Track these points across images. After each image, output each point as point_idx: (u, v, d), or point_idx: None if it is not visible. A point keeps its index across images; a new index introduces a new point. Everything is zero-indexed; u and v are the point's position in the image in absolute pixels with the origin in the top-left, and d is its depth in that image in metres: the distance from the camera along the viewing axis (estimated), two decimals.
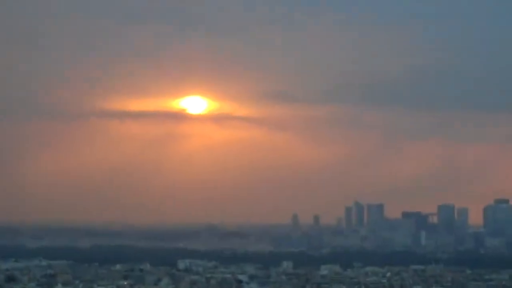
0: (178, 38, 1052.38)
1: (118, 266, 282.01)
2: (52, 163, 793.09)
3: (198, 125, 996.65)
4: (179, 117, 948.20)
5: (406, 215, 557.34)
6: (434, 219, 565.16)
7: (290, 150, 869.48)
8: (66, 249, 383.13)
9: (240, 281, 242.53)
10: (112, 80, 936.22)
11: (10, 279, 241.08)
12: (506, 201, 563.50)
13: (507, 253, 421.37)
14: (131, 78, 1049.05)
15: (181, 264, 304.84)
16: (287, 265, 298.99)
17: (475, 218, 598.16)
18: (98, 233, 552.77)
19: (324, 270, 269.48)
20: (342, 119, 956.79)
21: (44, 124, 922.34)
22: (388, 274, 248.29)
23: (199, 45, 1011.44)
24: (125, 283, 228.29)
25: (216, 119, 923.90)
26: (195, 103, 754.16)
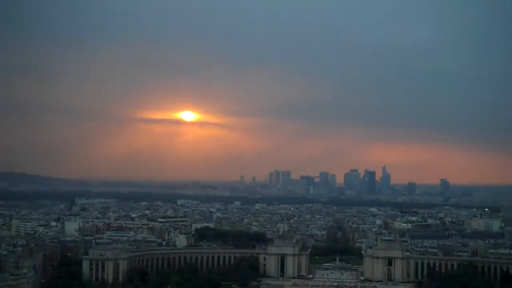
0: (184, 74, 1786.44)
1: (143, 203, 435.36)
2: (106, 148, 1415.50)
3: (190, 127, 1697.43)
4: (179, 122, 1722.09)
5: (302, 177, 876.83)
6: (318, 180, 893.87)
7: (239, 141, 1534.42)
8: (114, 193, 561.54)
9: (211, 211, 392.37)
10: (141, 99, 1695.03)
11: (83, 209, 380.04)
12: (356, 170, 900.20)
13: (357, 199, 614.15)
14: (156, 99, 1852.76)
15: (179, 202, 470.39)
16: (236, 203, 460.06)
17: (340, 179, 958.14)
18: (132, 184, 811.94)
19: (257, 206, 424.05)
20: (268, 126, 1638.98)
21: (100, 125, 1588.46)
22: (292, 208, 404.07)
23: (191, 83, 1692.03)
24: (147, 212, 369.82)
25: (199, 124, 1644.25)
26: (188, 115, 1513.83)
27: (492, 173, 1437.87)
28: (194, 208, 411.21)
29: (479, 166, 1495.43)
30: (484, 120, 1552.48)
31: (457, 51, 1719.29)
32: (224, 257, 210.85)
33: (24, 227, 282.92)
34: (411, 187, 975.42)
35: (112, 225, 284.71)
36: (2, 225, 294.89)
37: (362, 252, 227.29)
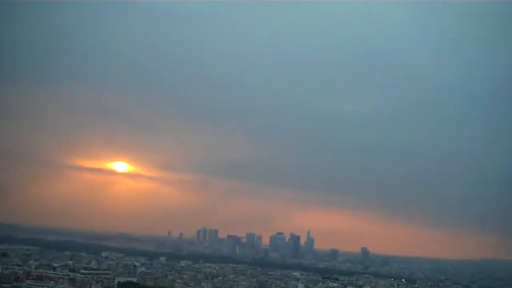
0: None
1: (67, 252, 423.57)
2: (35, 193, 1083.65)
3: (121, 178, 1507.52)
4: (112, 173, 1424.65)
5: (229, 236, 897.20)
6: (244, 240, 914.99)
7: (170, 196, 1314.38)
8: (38, 240, 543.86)
9: (135, 266, 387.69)
10: (74, 145, 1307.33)
11: (3, 254, 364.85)
12: (282, 233, 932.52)
13: (281, 261, 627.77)
14: (90, 146, 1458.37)
15: (103, 254, 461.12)
16: (162, 258, 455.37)
17: (266, 241, 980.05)
18: (58, 232, 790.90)
19: (182, 263, 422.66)
20: (199, 182, 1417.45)
21: (31, 168, 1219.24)
22: (217, 268, 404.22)
23: (127, 133, 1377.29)
24: (70, 262, 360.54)
25: (132, 176, 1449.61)
26: (121, 166, 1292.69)
27: (410, 244, 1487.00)
28: (118, 261, 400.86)
29: (397, 237, 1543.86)
30: (406, 193, 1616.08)
31: (389, 124, 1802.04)
32: None
33: None
34: (333, 253, 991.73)
35: (32, 273, 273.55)
36: None
37: None
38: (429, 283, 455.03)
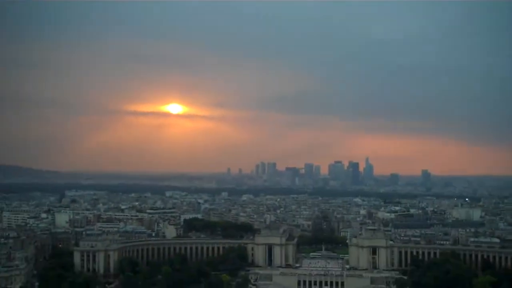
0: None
1: (132, 194, 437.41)
2: (95, 141, 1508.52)
3: (177, 119, 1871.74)
4: (166, 115, 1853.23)
5: (287, 169, 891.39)
6: (303, 171, 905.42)
7: (226, 133, 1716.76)
8: (103, 185, 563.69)
9: (199, 203, 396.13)
10: (128, 92, 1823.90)
11: (73, 201, 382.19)
12: (340, 162, 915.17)
13: (341, 189, 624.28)
14: (143, 92, 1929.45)
15: (167, 193, 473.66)
16: (224, 194, 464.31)
17: (324, 170, 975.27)
18: (121, 176, 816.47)
19: (244, 197, 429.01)
20: (255, 118, 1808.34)
21: (88, 118, 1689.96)
22: (278, 199, 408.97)
23: (178, 76, 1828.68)
24: (137, 203, 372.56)
25: (186, 116, 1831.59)
26: (175, 108, 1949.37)
27: (472, 164, 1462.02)
28: (182, 200, 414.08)
29: (459, 157, 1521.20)
30: (464, 113, 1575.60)
31: (443, 46, 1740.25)
32: (213, 248, 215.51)
33: (15, 219, 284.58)
34: (393, 178, 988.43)
35: (102, 216, 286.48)
36: None
37: (347, 241, 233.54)
38: (493, 201, 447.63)
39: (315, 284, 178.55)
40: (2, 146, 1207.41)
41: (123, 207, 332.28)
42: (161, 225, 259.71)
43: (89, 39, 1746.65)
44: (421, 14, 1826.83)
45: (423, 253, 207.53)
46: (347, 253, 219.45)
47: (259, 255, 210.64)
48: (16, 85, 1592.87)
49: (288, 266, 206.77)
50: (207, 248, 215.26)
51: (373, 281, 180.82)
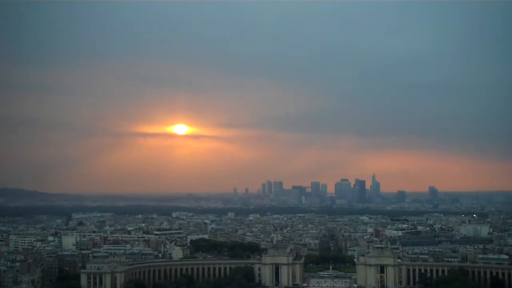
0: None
1: (139, 216, 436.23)
2: (102, 163, 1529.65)
3: (183, 140, 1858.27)
4: (173, 136, 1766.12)
5: (294, 187, 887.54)
6: (309, 190, 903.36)
7: (233, 153, 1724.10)
8: (110, 207, 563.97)
9: (205, 223, 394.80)
10: (135, 113, 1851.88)
11: (80, 223, 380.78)
12: (346, 180, 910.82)
13: (348, 208, 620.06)
14: (150, 113, 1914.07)
15: (174, 214, 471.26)
16: (230, 214, 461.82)
17: (330, 189, 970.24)
18: (127, 198, 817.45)
19: (251, 217, 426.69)
20: (261, 138, 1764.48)
21: (94, 140, 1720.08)
22: (285, 218, 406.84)
23: (184, 95, 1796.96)
24: (143, 224, 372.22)
25: (193, 137, 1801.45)
26: (181, 128, 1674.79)
27: (479, 180, 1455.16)
28: (189, 220, 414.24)
29: (465, 173, 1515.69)
30: (470, 129, 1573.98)
31: (451, 62, 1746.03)
32: (219, 268, 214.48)
33: (22, 243, 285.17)
34: (400, 195, 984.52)
35: (108, 238, 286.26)
36: (0, 240, 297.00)
37: (354, 260, 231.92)
38: (501, 217, 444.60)
39: None
40: (7, 168, 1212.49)
41: (129, 228, 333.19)
42: (167, 246, 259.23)
43: (93, 60, 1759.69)
44: (431, 31, 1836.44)
45: (431, 270, 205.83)
46: (355, 272, 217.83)
47: (266, 275, 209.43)
48: (22, 107, 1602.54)
49: (295, 286, 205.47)
50: (214, 269, 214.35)
51: None
